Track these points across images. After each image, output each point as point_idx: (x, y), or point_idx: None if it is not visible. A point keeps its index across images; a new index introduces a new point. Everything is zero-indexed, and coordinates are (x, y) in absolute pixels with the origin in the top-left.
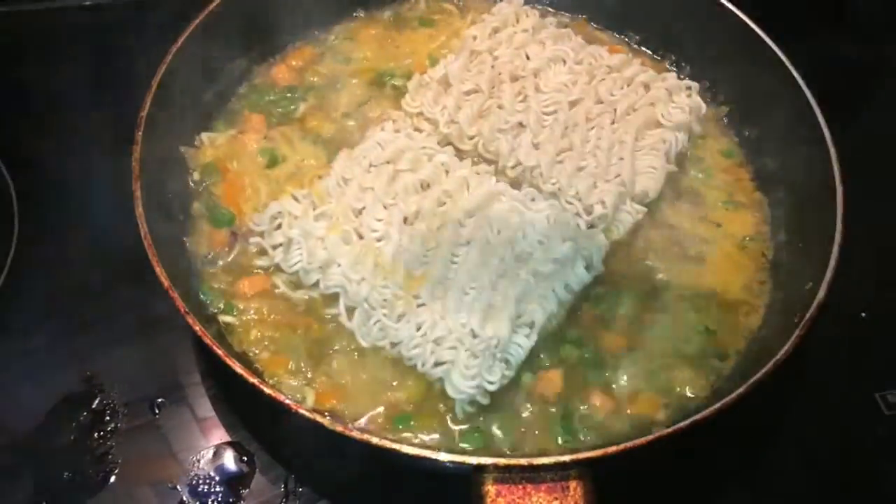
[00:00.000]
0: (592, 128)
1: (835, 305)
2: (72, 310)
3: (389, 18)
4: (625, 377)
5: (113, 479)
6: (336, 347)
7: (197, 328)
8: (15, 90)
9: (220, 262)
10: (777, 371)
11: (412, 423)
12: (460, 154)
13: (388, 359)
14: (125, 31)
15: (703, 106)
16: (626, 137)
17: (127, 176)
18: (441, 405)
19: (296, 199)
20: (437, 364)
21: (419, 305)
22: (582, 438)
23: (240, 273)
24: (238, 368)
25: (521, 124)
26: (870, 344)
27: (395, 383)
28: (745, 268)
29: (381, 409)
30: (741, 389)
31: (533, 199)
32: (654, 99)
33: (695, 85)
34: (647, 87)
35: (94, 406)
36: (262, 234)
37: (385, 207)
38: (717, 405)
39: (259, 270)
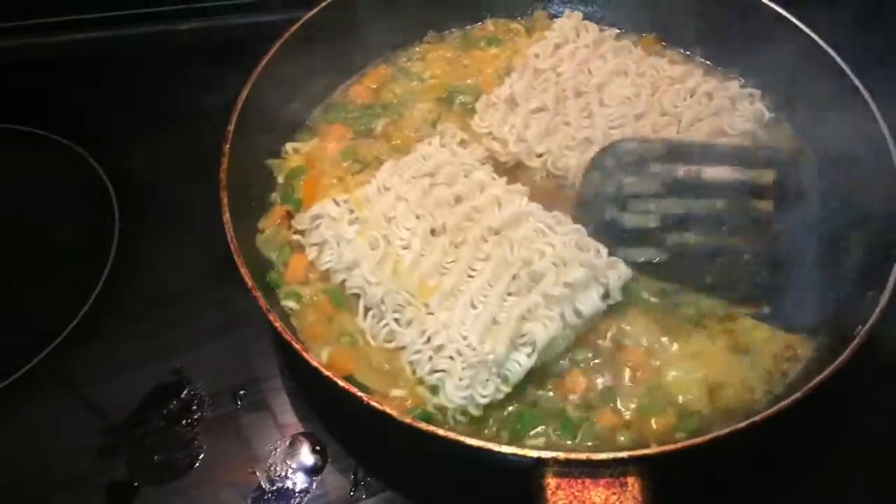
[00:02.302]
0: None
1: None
2: (164, 306)
3: (458, 39)
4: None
5: (198, 463)
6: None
7: (278, 325)
8: (119, 105)
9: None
10: (836, 378)
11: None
12: (520, 171)
13: None
14: (217, 51)
15: (766, 113)
16: None
17: (215, 185)
18: None
19: (336, 203)
20: (433, 371)
21: (428, 314)
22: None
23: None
24: (315, 363)
25: (587, 140)
26: None
27: None
28: None
29: None
30: (798, 395)
31: (559, 223)
32: (719, 108)
33: (756, 92)
34: (710, 96)
35: (182, 396)
36: (302, 233)
37: (417, 218)
38: (777, 407)
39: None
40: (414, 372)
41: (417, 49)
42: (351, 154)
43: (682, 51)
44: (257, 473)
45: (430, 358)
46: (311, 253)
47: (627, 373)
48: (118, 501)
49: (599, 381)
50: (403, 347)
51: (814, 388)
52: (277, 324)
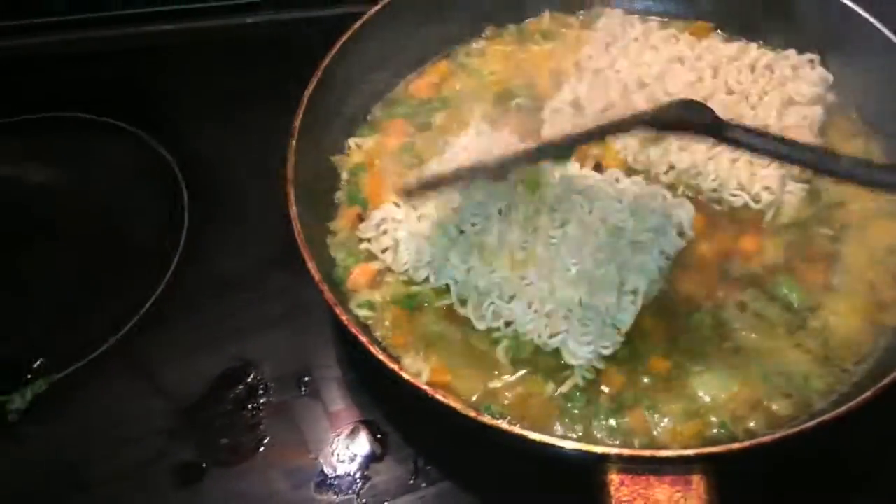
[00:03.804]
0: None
1: None
2: (232, 294)
3: (515, 34)
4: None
5: (263, 447)
6: (448, 333)
7: (343, 318)
8: (190, 96)
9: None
10: None
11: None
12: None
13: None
14: (285, 45)
15: (830, 76)
16: (770, 121)
17: (282, 177)
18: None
19: (396, 205)
20: (552, 335)
21: (527, 285)
22: None
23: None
24: (380, 356)
25: None
26: None
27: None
28: None
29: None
30: (868, 394)
31: (617, 179)
32: (782, 79)
33: (816, 57)
34: (770, 68)
35: (248, 381)
36: (369, 240)
37: (480, 204)
38: (845, 407)
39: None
40: (531, 341)
41: (476, 45)
42: (409, 149)
43: (730, 34)
44: (319, 459)
45: (546, 325)
46: (387, 258)
47: None
48: (187, 481)
49: None
50: (498, 331)
51: (883, 388)
52: (343, 317)
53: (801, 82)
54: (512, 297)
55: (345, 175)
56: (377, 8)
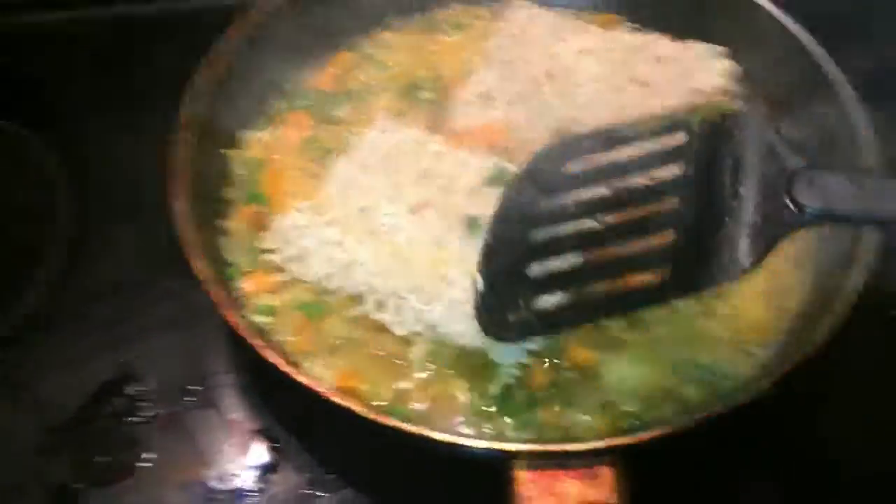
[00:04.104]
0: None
1: (877, 304)
2: (117, 300)
3: (421, 23)
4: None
5: (145, 463)
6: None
7: (232, 320)
8: (72, 90)
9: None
10: (814, 361)
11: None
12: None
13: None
14: (177, 35)
15: (736, 66)
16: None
17: (168, 174)
18: None
19: (299, 211)
20: (478, 334)
21: (448, 285)
22: None
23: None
24: (273, 359)
25: (574, 119)
26: None
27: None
28: None
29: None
30: (775, 377)
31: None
32: (689, 69)
33: (722, 49)
34: (676, 59)
35: (129, 392)
36: (273, 251)
37: (390, 202)
38: (751, 393)
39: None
40: (453, 343)
41: (381, 36)
42: (313, 143)
43: (639, 26)
44: (211, 471)
45: (472, 325)
46: (294, 268)
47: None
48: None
49: None
50: (418, 335)
51: (789, 370)
52: (232, 320)
53: (708, 73)
54: (432, 300)
55: (241, 171)
56: None
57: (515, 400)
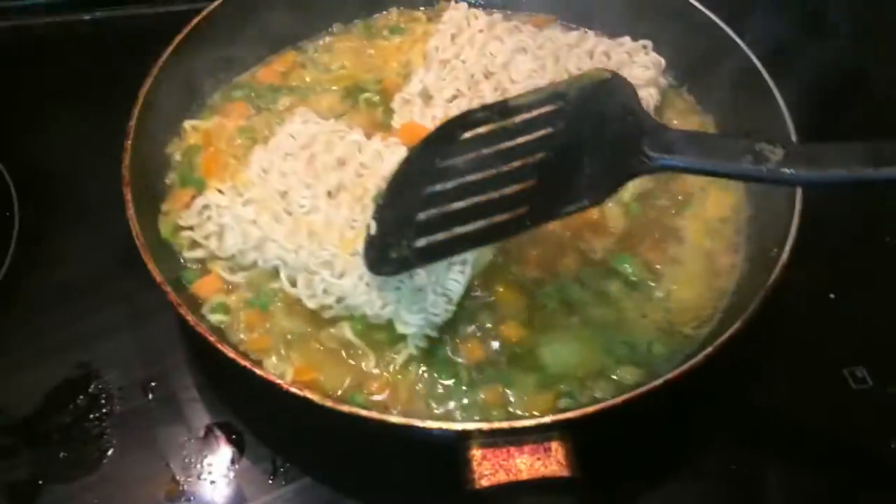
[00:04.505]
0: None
1: (803, 287)
2: (71, 301)
3: (362, 29)
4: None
5: (108, 458)
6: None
7: (189, 318)
8: (19, 95)
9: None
10: (746, 336)
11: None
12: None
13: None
14: (122, 42)
15: (662, 60)
16: None
17: (119, 175)
18: None
19: (220, 191)
20: (384, 306)
21: (358, 260)
22: None
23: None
24: (230, 353)
25: None
26: (837, 323)
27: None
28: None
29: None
30: (709, 350)
31: None
32: (619, 64)
33: (648, 43)
34: (607, 55)
35: (89, 390)
36: (192, 228)
37: (308, 187)
38: (687, 365)
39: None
40: (364, 317)
41: (324, 41)
42: (248, 131)
43: (573, 25)
44: (171, 466)
45: (378, 296)
46: (211, 244)
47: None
48: (21, 500)
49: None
50: (343, 298)
51: (721, 345)
52: (189, 317)
53: (636, 66)
54: (342, 274)
55: (178, 157)
56: (217, 3)
57: (460, 380)
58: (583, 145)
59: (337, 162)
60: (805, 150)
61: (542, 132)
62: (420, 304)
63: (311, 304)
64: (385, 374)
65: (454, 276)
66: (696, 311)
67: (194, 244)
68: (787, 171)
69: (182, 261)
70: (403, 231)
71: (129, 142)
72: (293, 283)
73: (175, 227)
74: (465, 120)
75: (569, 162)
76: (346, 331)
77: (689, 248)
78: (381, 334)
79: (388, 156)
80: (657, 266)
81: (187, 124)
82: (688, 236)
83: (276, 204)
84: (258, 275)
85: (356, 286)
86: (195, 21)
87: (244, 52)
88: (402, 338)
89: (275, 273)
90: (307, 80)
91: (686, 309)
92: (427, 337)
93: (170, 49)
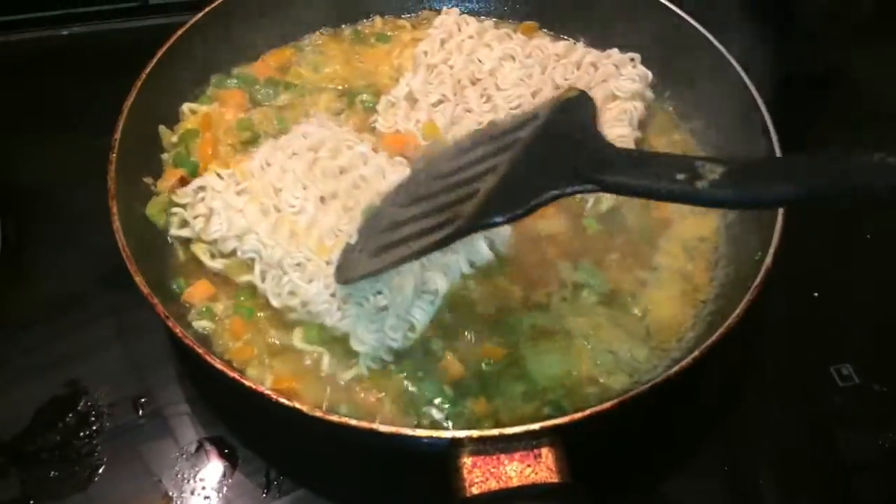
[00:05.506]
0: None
1: (788, 286)
2: (59, 316)
3: (350, 36)
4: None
5: (99, 475)
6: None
7: (177, 330)
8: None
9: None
10: (732, 339)
11: None
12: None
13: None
14: (104, 56)
15: (649, 73)
16: None
17: (105, 188)
18: None
19: (219, 176)
20: (343, 318)
21: (330, 267)
22: None
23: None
24: (219, 365)
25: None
26: (822, 322)
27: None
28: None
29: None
30: (696, 353)
31: None
32: (605, 75)
33: (636, 55)
34: (595, 66)
35: (78, 408)
36: (184, 206)
37: (304, 188)
38: (675, 368)
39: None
40: (323, 323)
41: (315, 42)
42: (246, 124)
43: (562, 35)
44: (162, 481)
45: (339, 307)
46: (198, 224)
47: None
48: None
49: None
50: (307, 302)
51: (710, 346)
52: (177, 330)
53: (623, 79)
54: (311, 279)
55: (174, 139)
56: (198, 17)
57: (445, 392)
58: (538, 155)
59: (338, 170)
60: (744, 169)
61: (492, 161)
62: (378, 324)
63: (275, 303)
64: (370, 386)
65: (423, 304)
66: (675, 327)
67: (183, 223)
68: (717, 191)
69: (168, 239)
70: (370, 244)
71: (114, 154)
72: (263, 279)
73: (162, 206)
74: (457, 146)
75: (520, 171)
76: (296, 337)
77: (668, 263)
78: (337, 347)
79: (391, 174)
80: (633, 283)
81: (185, 107)
82: (665, 253)
83: (268, 198)
84: (235, 264)
85: (320, 293)
86: (180, 32)
87: (228, 62)
88: (356, 354)
89: (250, 265)
90: (303, 75)
91: (665, 326)
92: (381, 360)
93: (152, 63)
